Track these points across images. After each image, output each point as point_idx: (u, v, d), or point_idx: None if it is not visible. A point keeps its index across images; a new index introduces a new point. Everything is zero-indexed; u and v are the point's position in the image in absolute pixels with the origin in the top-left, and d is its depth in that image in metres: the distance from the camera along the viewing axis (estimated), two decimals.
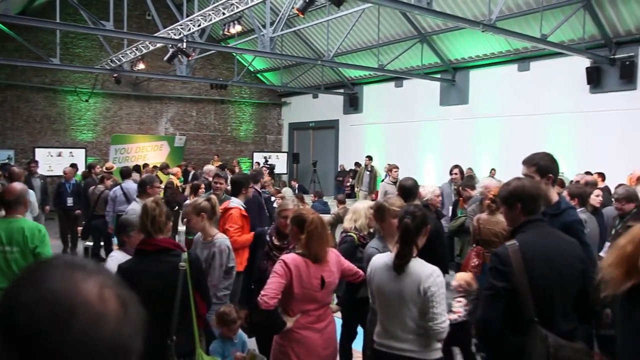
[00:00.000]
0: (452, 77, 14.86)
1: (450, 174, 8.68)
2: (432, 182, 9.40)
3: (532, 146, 13.26)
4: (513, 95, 13.36)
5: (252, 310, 3.39)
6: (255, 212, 6.26)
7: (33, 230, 3.84)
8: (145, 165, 14.18)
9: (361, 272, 3.35)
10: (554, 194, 3.18)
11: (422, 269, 2.85)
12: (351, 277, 3.39)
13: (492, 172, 12.28)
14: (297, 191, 12.91)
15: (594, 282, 2.76)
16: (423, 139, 15.59)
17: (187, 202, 6.79)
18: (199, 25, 10.49)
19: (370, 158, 15.13)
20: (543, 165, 3.16)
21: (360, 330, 4.32)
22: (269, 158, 18.66)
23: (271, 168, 16.61)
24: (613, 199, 5.39)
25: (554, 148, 12.23)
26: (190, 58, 12.82)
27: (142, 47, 12.55)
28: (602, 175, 9.79)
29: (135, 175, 9.54)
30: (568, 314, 2.64)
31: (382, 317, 3.02)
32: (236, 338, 3.57)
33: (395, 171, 9.74)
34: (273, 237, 3.96)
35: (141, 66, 14.39)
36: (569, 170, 10.68)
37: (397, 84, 16.53)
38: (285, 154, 20.64)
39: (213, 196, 4.83)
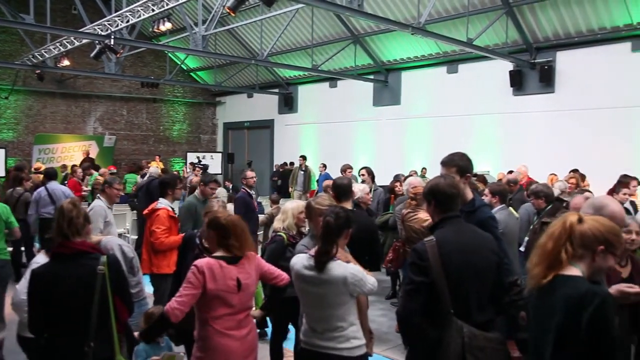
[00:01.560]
0: (384, 78, 15.17)
1: (350, 174, 8.89)
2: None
3: (461, 146, 13.65)
4: (443, 96, 13.81)
5: None
6: (242, 213, 6.24)
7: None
8: (74, 166, 13.57)
9: (284, 275, 3.25)
10: (469, 192, 3.34)
11: (346, 268, 2.89)
12: (273, 280, 3.24)
13: (423, 171, 12.65)
14: (230, 191, 12.74)
15: (508, 274, 2.93)
16: (357, 138, 15.83)
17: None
18: (128, 22, 10.17)
19: (304, 158, 15.20)
20: (462, 166, 3.33)
21: (292, 328, 4.33)
22: (203, 158, 18.33)
23: (204, 168, 16.29)
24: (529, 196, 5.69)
25: (480, 147, 12.82)
26: (118, 55, 12.41)
27: (67, 42, 12.02)
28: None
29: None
30: (483, 305, 2.74)
31: (307, 315, 3.03)
32: (162, 342, 3.48)
33: (349, 171, 9.82)
34: (203, 240, 3.89)
35: (66, 62, 13.77)
36: (494, 170, 11.18)
37: (331, 84, 16.70)
38: (220, 154, 20.35)
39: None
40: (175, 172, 13.64)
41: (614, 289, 2.42)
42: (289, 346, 4.50)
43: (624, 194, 6.24)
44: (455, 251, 2.68)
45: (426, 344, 2.66)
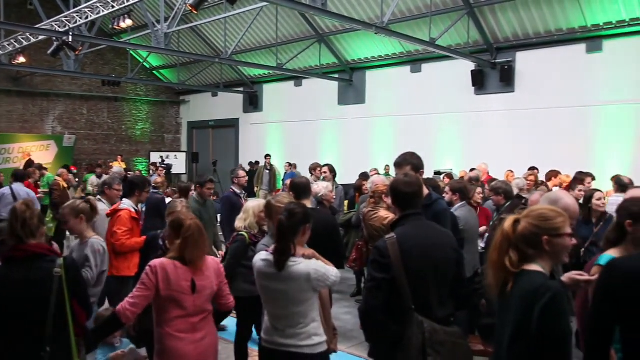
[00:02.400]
0: (349, 77, 15.25)
1: (320, 172, 8.93)
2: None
3: (424, 144, 13.98)
4: (407, 95, 13.96)
5: (140, 316, 3.26)
6: (227, 212, 6.29)
7: None
8: (30, 163, 13.17)
9: (232, 301, 3.21)
10: (425, 188, 3.45)
11: (308, 265, 2.89)
12: (221, 299, 3.16)
13: (387, 169, 12.78)
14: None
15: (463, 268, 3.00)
16: (322, 137, 15.87)
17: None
18: (87, 18, 9.94)
19: (269, 157, 15.16)
20: (416, 164, 3.53)
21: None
22: (167, 158, 18.10)
23: (167, 168, 16.11)
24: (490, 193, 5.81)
25: (443, 146, 13.03)
26: (77, 52, 12.10)
27: (22, 39, 11.66)
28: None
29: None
30: (444, 300, 2.80)
31: (269, 313, 3.02)
32: (118, 342, 3.42)
33: (319, 170, 9.80)
34: (167, 242, 3.84)
35: (22, 60, 13.34)
36: (457, 167, 11.37)
37: (296, 83, 16.68)
38: (184, 154, 20.11)
39: (92, 197, 4.59)
40: (143, 175, 13.38)
41: (566, 276, 2.50)
42: (254, 346, 4.48)
43: (579, 190, 6.45)
44: (416, 248, 2.73)
45: (388, 340, 2.71)
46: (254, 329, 4.56)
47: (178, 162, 19.15)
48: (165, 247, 3.71)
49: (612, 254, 2.81)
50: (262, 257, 3.00)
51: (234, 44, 13.20)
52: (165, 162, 17.09)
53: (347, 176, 10.58)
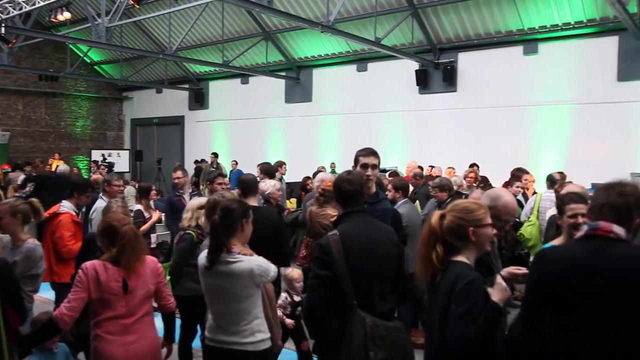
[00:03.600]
0: (296, 75, 15.26)
1: (284, 170, 8.98)
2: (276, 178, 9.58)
3: (370, 142, 14.02)
4: (353, 94, 14.11)
5: (78, 321, 3.17)
6: (169, 214, 6.33)
7: None
8: None
9: (173, 303, 3.17)
10: (373, 186, 3.48)
11: (251, 260, 2.89)
12: (161, 300, 3.11)
13: (332, 166, 12.89)
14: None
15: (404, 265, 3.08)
16: (269, 135, 15.81)
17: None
18: (21, 9, 9.50)
19: (215, 155, 14.99)
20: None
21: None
22: (109, 156, 17.56)
23: (109, 166, 15.62)
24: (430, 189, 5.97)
25: (389, 144, 13.21)
26: (11, 45, 11.55)
27: None
28: (432, 168, 10.79)
29: None
30: (385, 296, 2.86)
31: (212, 311, 3.01)
32: (56, 348, 3.31)
33: (283, 168, 9.72)
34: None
35: None
36: (401, 165, 11.60)
37: (243, 80, 16.54)
38: (128, 152, 19.56)
39: (35, 199, 4.40)
40: (84, 177, 12.89)
41: (504, 271, 2.62)
42: (198, 346, 4.43)
43: (517, 186, 6.72)
44: (358, 244, 2.77)
45: (331, 336, 2.74)
46: (199, 329, 4.51)
47: (121, 160, 18.60)
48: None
49: (553, 243, 3.04)
50: (205, 254, 2.97)
51: (179, 39, 12.94)
52: (107, 161, 16.57)
53: (294, 174, 10.59)
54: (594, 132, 10.60)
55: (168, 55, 13.06)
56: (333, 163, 13.00)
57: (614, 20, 9.94)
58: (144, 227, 5.87)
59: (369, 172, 3.50)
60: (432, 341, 2.39)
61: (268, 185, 5.43)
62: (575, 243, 2.13)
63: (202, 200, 4.29)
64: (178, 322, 4.55)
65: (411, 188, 6.31)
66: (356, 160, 3.57)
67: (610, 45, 10.56)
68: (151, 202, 6.44)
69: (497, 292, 2.28)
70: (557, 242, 3.18)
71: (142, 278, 2.95)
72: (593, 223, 2.06)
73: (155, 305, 3.15)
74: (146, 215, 6.05)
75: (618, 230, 2.00)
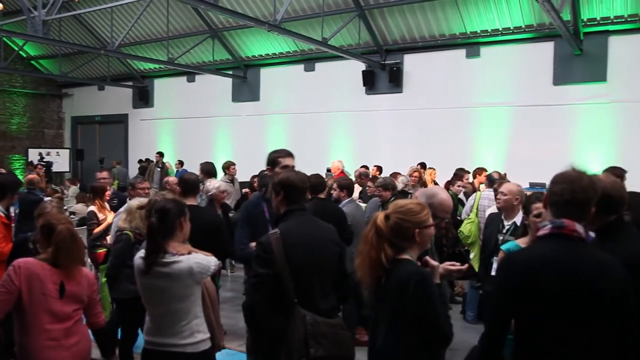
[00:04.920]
0: (243, 74, 15.13)
1: (233, 170, 8.95)
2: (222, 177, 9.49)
3: (317, 142, 14.20)
4: (300, 93, 14.12)
5: (3, 326, 3.02)
6: None
7: None
8: None
9: (102, 316, 3.07)
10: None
11: (189, 259, 2.85)
12: (90, 311, 2.97)
13: None
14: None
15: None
16: (216, 134, 15.61)
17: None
18: None
19: (161, 154, 14.67)
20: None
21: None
22: (47, 155, 16.85)
23: (47, 166, 15.00)
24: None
25: (336, 143, 13.29)
26: None
27: None
28: (379, 168, 10.95)
29: None
30: (327, 294, 2.88)
31: (150, 313, 2.94)
32: None
33: (233, 168, 9.54)
34: (37, 245, 3.58)
35: None
36: (349, 165, 11.69)
37: (189, 78, 16.24)
38: (68, 150, 18.83)
39: None
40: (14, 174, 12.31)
41: (441, 267, 2.68)
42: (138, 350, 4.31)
43: (459, 185, 6.91)
44: (299, 243, 2.78)
45: (271, 334, 2.74)
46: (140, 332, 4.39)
47: (60, 160, 17.89)
48: (36, 251, 3.47)
49: (519, 243, 3.17)
50: (142, 255, 2.90)
51: (122, 35, 12.56)
52: (44, 160, 15.90)
53: (241, 173, 10.49)
54: (531, 133, 11.03)
55: (110, 51, 12.64)
56: None
57: (550, 27, 10.37)
58: (98, 229, 5.69)
59: None
60: (377, 339, 2.41)
61: (212, 186, 5.37)
62: (540, 242, 2.11)
63: (142, 200, 4.18)
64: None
65: (358, 188, 6.40)
66: (275, 162, 3.61)
67: (546, 50, 11.02)
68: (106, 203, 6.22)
69: (433, 274, 2.47)
70: (522, 241, 3.26)
71: (80, 285, 2.85)
72: (557, 221, 2.06)
73: None
74: (100, 216, 5.82)
75: (580, 229, 2.04)
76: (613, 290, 1.97)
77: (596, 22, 10.38)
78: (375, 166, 10.73)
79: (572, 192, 2.05)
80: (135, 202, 4.25)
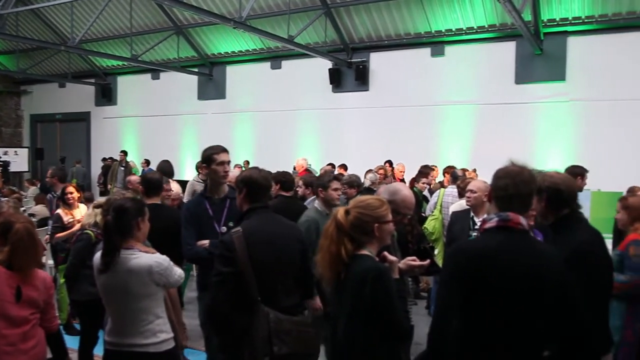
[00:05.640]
0: (209, 72, 14.96)
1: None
2: (191, 176, 9.34)
3: (284, 140, 14.13)
4: (267, 91, 14.05)
5: None
6: None
7: None
8: None
9: (57, 321, 2.97)
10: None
11: (150, 257, 2.81)
12: (45, 315, 2.84)
13: (246, 164, 12.76)
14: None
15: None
16: (182, 133, 15.40)
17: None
18: None
19: (125, 153, 14.39)
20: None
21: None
22: (4, 154, 16.33)
23: (4, 165, 14.54)
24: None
25: (303, 142, 13.25)
26: None
27: None
28: (344, 166, 10.96)
29: None
30: (290, 291, 2.87)
31: (111, 313, 2.88)
32: None
33: (203, 169, 9.35)
34: None
35: None
36: (316, 163, 11.70)
37: (153, 75, 15.96)
38: (27, 149, 18.27)
39: None
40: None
41: (402, 262, 2.71)
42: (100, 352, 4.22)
43: (423, 182, 6.99)
44: (262, 241, 2.76)
45: (235, 332, 2.71)
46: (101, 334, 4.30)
47: (19, 159, 17.34)
48: None
49: None
50: (98, 256, 2.84)
51: (83, 31, 12.25)
52: (1, 159, 15.40)
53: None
54: (494, 130, 11.23)
55: (71, 47, 12.34)
56: (247, 161, 12.88)
57: (512, 27, 10.57)
58: (63, 234, 5.35)
59: (227, 168, 3.56)
60: (337, 333, 2.42)
61: (175, 187, 5.26)
62: (487, 235, 2.18)
63: (101, 199, 4.08)
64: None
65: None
66: (210, 159, 3.62)
67: (508, 49, 11.24)
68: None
69: (392, 269, 2.48)
70: None
71: (37, 290, 2.75)
72: (503, 214, 2.13)
73: None
74: (65, 219, 5.46)
75: (524, 222, 2.13)
76: (554, 280, 2.06)
77: (556, 23, 10.65)
78: (340, 165, 10.73)
79: (515, 187, 2.14)
80: (97, 201, 4.15)
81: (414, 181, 7.42)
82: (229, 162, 3.62)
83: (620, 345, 3.41)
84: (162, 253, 2.92)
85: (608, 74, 10.22)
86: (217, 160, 3.56)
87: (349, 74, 12.94)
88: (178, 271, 2.90)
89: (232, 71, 14.76)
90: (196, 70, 14.91)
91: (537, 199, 2.52)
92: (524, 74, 11.06)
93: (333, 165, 10.27)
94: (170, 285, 2.89)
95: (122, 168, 14.04)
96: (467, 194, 4.46)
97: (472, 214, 4.47)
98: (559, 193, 2.52)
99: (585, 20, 10.40)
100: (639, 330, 3.46)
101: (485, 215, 4.43)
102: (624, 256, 3.55)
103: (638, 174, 8.04)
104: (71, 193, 5.43)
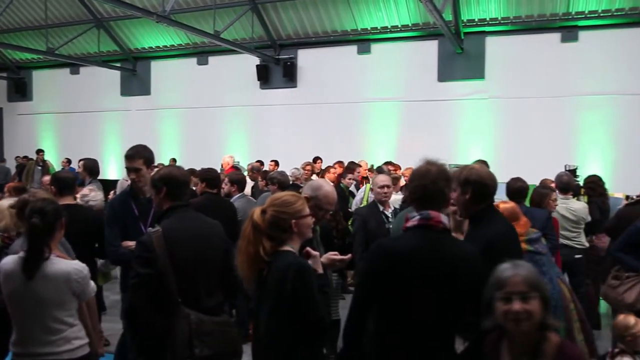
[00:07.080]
0: (133, 67, 14.46)
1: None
2: (115, 175, 9.02)
3: (211, 137, 13.91)
4: (194, 87, 13.77)
5: None
6: None
7: None
8: None
9: None
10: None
11: (69, 264, 2.70)
12: None
13: (172, 162, 12.44)
14: None
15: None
16: (104, 130, 14.81)
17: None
18: None
19: (41, 151, 13.63)
20: (148, 157, 3.51)
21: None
22: None
23: None
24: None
25: (231, 138, 13.09)
26: None
27: None
28: (276, 163, 10.92)
29: None
30: (212, 291, 2.82)
31: (19, 323, 2.72)
32: None
33: (159, 165, 8.91)
34: None
35: None
36: (244, 160, 11.60)
37: (72, 70, 15.23)
38: None
39: None
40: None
41: (324, 257, 2.74)
42: None
43: (349, 178, 7.09)
44: (182, 240, 2.70)
45: (156, 335, 2.64)
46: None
47: None
48: None
49: None
50: (14, 260, 2.68)
51: None
52: None
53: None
54: (418, 127, 11.58)
55: None
56: (173, 159, 12.57)
57: (434, 26, 10.92)
58: None
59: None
60: (259, 328, 2.42)
61: (90, 199, 4.92)
62: (409, 233, 2.23)
63: (11, 200, 3.83)
64: None
65: (250, 182, 6.34)
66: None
67: (431, 48, 11.61)
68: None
69: (315, 263, 2.48)
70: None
71: None
72: (425, 213, 2.21)
73: None
74: None
75: (445, 220, 2.22)
76: (471, 278, 2.16)
77: (475, 23, 11.11)
78: (272, 161, 10.69)
79: (424, 188, 2.23)
80: (4, 202, 3.88)
81: (340, 177, 7.50)
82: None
83: None
84: (78, 255, 2.80)
85: (523, 72, 10.79)
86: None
87: (277, 70, 12.91)
88: (92, 284, 2.81)
89: (157, 66, 14.34)
90: (119, 65, 14.36)
91: (460, 192, 2.60)
92: (446, 72, 11.47)
93: (261, 162, 10.21)
94: (85, 296, 2.76)
95: (39, 167, 13.29)
96: (383, 190, 4.49)
97: (381, 207, 4.51)
98: (485, 187, 2.62)
99: (502, 21, 10.93)
100: None
101: (392, 205, 4.58)
102: None
103: (551, 167, 8.54)
104: None
